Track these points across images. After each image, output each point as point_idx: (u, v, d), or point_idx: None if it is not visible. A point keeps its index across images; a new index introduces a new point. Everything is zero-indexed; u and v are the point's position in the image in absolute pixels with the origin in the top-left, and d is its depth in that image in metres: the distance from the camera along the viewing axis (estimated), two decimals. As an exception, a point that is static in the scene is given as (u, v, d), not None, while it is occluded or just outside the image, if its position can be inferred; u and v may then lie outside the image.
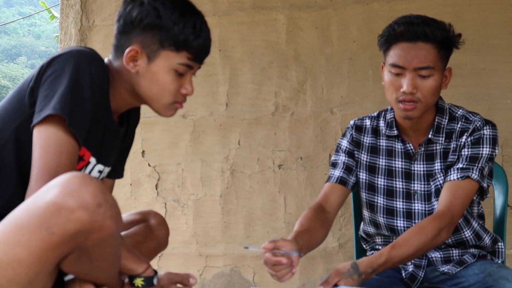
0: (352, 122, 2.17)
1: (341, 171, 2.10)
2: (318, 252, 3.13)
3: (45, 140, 1.55)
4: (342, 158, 2.13)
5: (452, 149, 2.00)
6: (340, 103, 3.15)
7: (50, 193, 1.36)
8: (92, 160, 1.71)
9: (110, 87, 1.71)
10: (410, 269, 2.02)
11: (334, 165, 2.14)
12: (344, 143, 2.14)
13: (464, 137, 1.98)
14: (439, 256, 2.01)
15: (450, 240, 1.99)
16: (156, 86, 1.69)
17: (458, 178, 1.92)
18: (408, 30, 1.89)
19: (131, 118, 1.90)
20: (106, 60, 1.75)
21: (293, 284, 3.14)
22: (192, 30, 1.66)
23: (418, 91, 1.90)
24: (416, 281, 2.01)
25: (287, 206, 3.19)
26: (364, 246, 2.21)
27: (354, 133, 2.13)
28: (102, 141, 1.72)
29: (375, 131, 2.12)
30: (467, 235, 2.01)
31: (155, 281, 1.66)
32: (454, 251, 2.01)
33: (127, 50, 1.67)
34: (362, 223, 2.20)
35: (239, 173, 3.24)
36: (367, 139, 2.12)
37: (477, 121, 1.99)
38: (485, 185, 1.96)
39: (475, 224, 2.04)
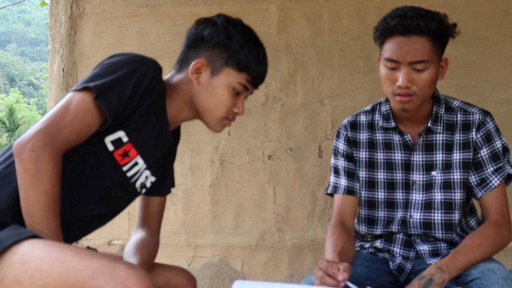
0: (345, 121, 2.15)
1: (346, 180, 2.10)
2: (306, 244, 3.14)
3: (67, 99, 1.65)
4: (341, 163, 2.11)
5: (457, 142, 2.01)
6: (331, 94, 3.15)
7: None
8: (140, 161, 1.79)
9: (167, 98, 1.82)
10: (398, 261, 2.02)
11: (336, 171, 2.13)
12: (341, 146, 2.12)
13: (474, 133, 2.00)
14: (427, 249, 2.02)
15: (440, 235, 2.01)
16: (213, 99, 1.82)
17: (501, 181, 1.98)
18: (402, 23, 1.87)
19: (175, 136, 2.00)
20: (167, 76, 1.88)
21: (281, 275, 3.15)
22: (255, 57, 1.82)
23: (414, 84, 1.90)
24: (403, 273, 2.01)
25: (277, 197, 3.19)
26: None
27: (349, 133, 2.11)
28: (154, 147, 1.82)
29: (371, 126, 2.11)
30: (455, 237, 2.03)
31: None
32: (442, 245, 2.02)
33: (194, 62, 1.80)
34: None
35: (228, 164, 3.24)
36: (363, 135, 2.10)
37: (476, 113, 2.02)
38: None
39: (464, 225, 2.06)
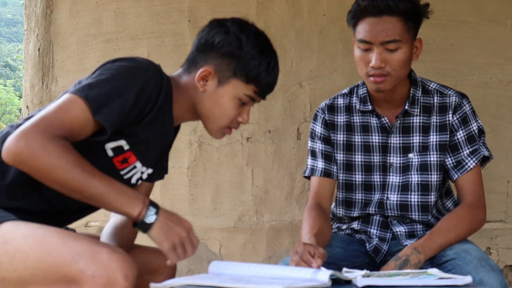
0: (322, 104, 2.15)
1: (323, 163, 2.10)
2: (284, 225, 3.15)
3: (63, 100, 1.56)
4: (319, 146, 2.12)
5: (434, 125, 2.03)
6: (309, 76, 3.14)
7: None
8: (138, 165, 1.76)
9: (174, 100, 1.77)
10: (375, 242, 2.04)
11: (313, 153, 2.13)
12: (318, 129, 2.12)
13: (450, 115, 2.02)
14: (403, 230, 2.04)
15: (416, 217, 2.02)
16: (218, 109, 1.77)
17: (476, 163, 2.00)
18: (372, 4, 1.89)
19: (175, 130, 1.94)
20: (174, 73, 1.82)
21: (259, 257, 3.16)
22: (265, 68, 1.75)
23: (387, 65, 1.91)
24: (380, 254, 2.03)
25: (255, 179, 3.19)
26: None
27: (327, 115, 2.12)
28: (155, 150, 1.79)
29: (348, 109, 2.11)
30: (430, 218, 2.04)
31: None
32: (418, 226, 2.04)
33: (201, 69, 1.75)
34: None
35: (207, 145, 3.22)
36: (341, 118, 2.11)
37: (452, 95, 2.04)
38: (492, 157, 2.04)
39: (440, 207, 2.08)
